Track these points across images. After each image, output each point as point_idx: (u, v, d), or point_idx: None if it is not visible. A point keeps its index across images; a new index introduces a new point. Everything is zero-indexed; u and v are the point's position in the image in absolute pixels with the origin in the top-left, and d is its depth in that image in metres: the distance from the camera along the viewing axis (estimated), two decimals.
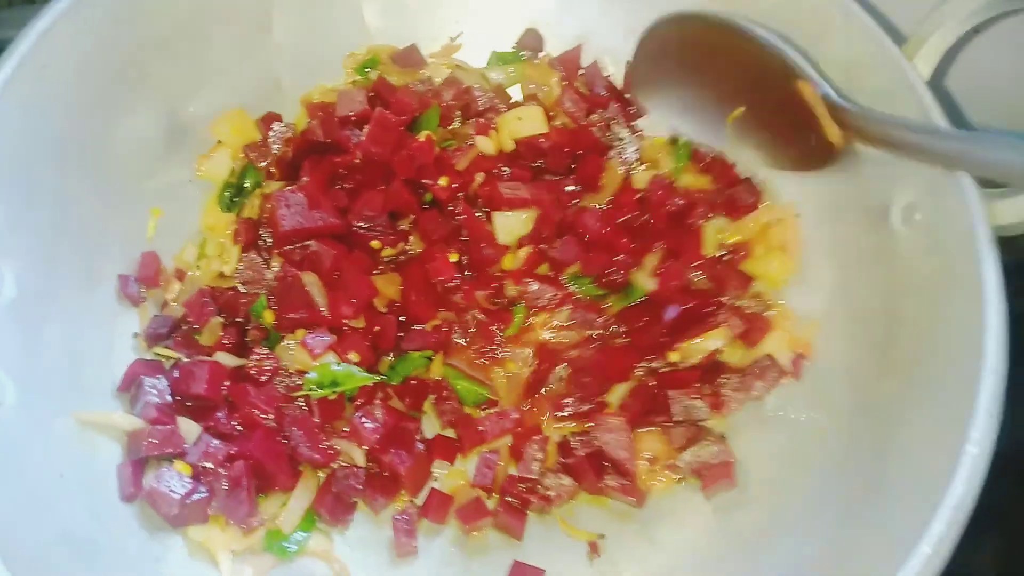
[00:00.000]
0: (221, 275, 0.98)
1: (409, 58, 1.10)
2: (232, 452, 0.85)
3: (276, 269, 0.95)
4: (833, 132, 0.87)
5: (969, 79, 1.01)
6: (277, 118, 1.05)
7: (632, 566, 0.88)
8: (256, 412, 0.87)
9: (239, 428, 0.87)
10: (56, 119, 0.85)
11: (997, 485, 1.00)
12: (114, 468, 0.83)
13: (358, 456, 0.88)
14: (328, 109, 1.04)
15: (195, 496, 0.82)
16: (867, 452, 0.79)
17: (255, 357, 0.89)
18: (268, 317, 0.93)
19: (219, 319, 0.93)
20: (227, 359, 0.90)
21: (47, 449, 0.78)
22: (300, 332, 0.91)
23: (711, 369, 0.94)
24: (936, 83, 0.92)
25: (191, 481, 0.82)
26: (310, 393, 0.89)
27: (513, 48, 1.12)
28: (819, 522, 0.79)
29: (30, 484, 0.74)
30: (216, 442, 0.85)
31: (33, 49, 0.81)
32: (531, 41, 1.12)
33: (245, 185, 1.03)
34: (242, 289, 0.96)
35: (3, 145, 0.80)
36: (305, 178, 0.98)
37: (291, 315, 0.91)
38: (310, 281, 0.93)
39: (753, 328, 0.94)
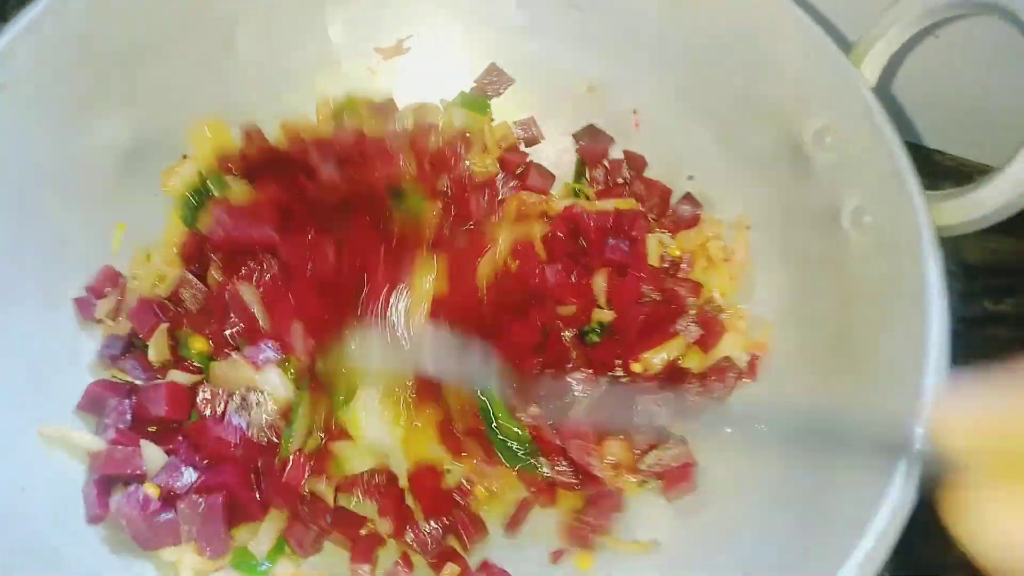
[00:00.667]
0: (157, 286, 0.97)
1: (385, 111, 1.10)
2: (202, 480, 0.84)
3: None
4: None
5: (917, 85, 1.03)
6: (257, 131, 1.06)
7: (593, 567, 0.88)
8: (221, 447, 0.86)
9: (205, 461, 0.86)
10: (16, 136, 0.86)
11: None
12: (77, 484, 0.83)
13: (329, 497, 0.88)
14: (307, 136, 1.04)
15: (163, 517, 0.82)
16: (814, 454, 0.80)
17: (200, 398, 0.88)
18: (200, 345, 0.92)
19: (165, 330, 0.92)
20: (181, 377, 0.90)
21: (8, 463, 0.78)
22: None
23: (672, 375, 0.95)
24: (883, 90, 0.94)
25: (159, 503, 0.82)
26: (289, 447, 0.87)
27: (474, 85, 1.12)
28: (774, 520, 0.81)
29: None
30: (185, 467, 0.84)
31: None
32: (493, 78, 1.12)
33: (212, 193, 1.02)
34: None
35: None
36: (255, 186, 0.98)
37: (228, 330, 0.90)
38: (248, 292, 0.91)
39: (708, 333, 0.96)
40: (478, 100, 1.12)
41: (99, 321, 0.94)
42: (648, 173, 1.08)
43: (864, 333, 0.82)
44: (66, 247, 0.93)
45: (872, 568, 0.66)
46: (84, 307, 0.93)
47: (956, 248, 1.09)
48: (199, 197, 1.03)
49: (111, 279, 0.96)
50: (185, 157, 1.04)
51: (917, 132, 1.17)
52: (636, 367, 0.96)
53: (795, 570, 0.75)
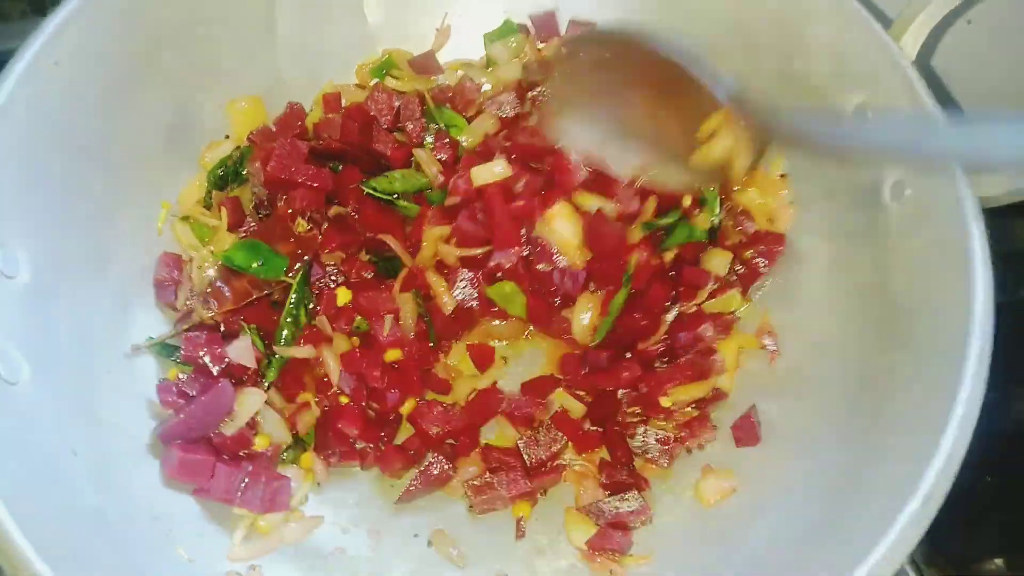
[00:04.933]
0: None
1: (426, 65, 1.12)
2: None
3: None
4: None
5: (956, 59, 1.03)
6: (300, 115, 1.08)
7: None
8: None
9: None
10: (68, 111, 0.88)
11: (1002, 467, 1.02)
12: (122, 449, 0.86)
13: None
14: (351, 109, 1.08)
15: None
16: (861, 422, 0.81)
17: None
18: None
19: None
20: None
21: (59, 426, 0.80)
22: None
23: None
24: (923, 63, 0.94)
25: None
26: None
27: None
28: (815, 490, 0.81)
29: (44, 458, 0.76)
30: None
31: (46, 44, 0.84)
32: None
33: (243, 172, 1.05)
34: None
35: (17, 135, 0.82)
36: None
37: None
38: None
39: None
40: (506, 25, 1.13)
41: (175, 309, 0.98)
42: None
43: (906, 304, 0.82)
44: (114, 218, 0.95)
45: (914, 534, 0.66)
46: (162, 292, 0.98)
47: (1002, 236, 1.08)
48: (229, 169, 1.04)
49: (175, 263, 0.99)
50: (228, 137, 1.06)
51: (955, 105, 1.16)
52: (666, 402, 0.96)
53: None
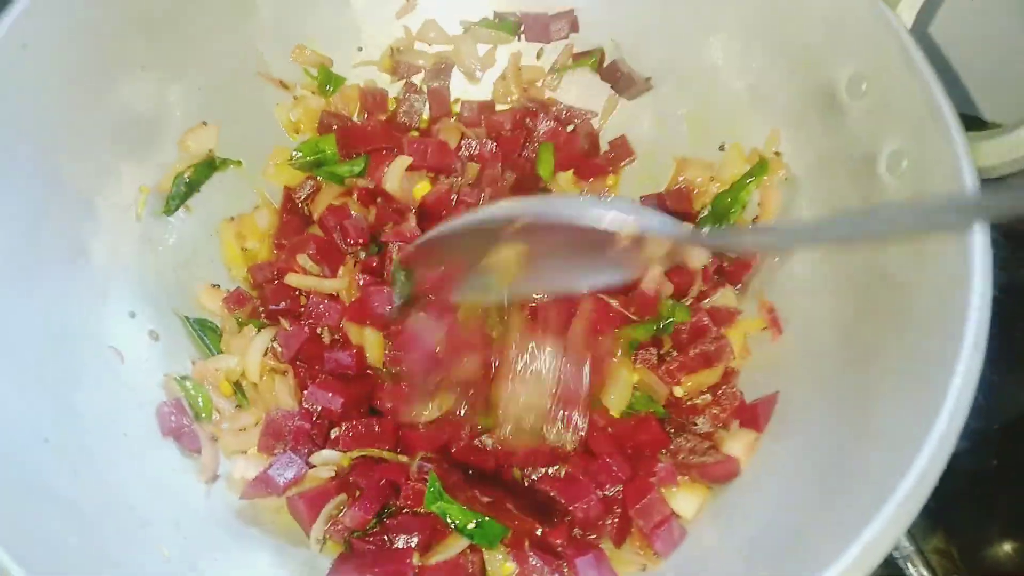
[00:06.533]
0: None
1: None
2: None
3: None
4: None
5: (952, 26, 1.00)
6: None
7: None
8: None
9: None
10: (39, 96, 0.86)
11: (1012, 452, 1.00)
12: (102, 440, 0.84)
13: None
14: None
15: None
16: (854, 399, 0.77)
17: None
18: None
19: None
20: None
21: (31, 415, 0.78)
22: None
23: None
24: (920, 31, 0.90)
25: None
26: None
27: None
28: (811, 468, 0.78)
29: (13, 446, 0.75)
30: None
31: (13, 28, 0.82)
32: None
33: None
34: None
35: None
36: None
37: None
38: None
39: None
40: (506, 23, 1.11)
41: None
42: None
43: (901, 280, 0.79)
44: (91, 209, 0.93)
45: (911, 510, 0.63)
46: (184, 441, 0.93)
47: None
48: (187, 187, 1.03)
49: (177, 409, 0.94)
50: (205, 124, 1.04)
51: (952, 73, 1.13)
52: (678, 391, 0.96)
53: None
